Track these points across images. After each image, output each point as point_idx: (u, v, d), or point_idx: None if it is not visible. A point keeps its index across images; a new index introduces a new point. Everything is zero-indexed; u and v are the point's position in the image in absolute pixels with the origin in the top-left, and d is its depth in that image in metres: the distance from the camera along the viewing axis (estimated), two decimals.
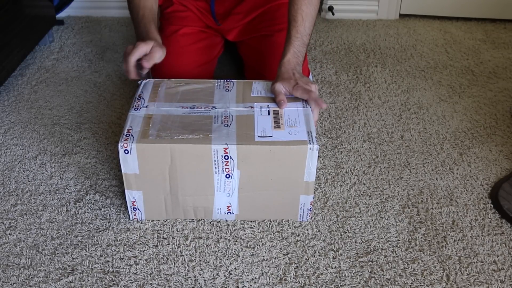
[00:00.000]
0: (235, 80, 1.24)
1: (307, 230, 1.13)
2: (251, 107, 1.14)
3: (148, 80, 1.23)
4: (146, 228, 1.14)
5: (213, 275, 1.03)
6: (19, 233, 1.13)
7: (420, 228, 1.14)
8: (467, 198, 1.22)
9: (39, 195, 1.23)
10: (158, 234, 1.12)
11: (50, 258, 1.07)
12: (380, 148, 1.39)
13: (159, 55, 1.14)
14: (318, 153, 1.32)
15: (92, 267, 1.05)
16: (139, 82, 1.21)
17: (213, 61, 1.54)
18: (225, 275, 1.03)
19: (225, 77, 1.31)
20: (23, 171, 1.30)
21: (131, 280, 1.02)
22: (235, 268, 1.05)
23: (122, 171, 1.07)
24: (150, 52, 1.13)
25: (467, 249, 1.09)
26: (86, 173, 1.30)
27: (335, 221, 1.16)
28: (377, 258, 1.07)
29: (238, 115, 1.12)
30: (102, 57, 1.84)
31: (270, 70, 1.44)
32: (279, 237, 1.12)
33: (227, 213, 1.14)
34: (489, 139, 1.42)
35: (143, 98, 1.16)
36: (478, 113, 1.53)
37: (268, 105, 1.15)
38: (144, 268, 1.05)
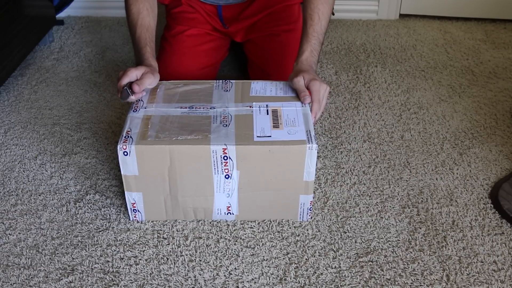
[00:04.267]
0: (234, 81, 1.24)
1: (307, 230, 1.13)
2: (250, 107, 1.14)
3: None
4: (146, 228, 1.14)
5: (213, 275, 1.03)
6: (19, 233, 1.13)
7: (420, 228, 1.14)
8: (467, 198, 1.22)
9: (39, 195, 1.23)
10: (158, 234, 1.12)
11: (50, 258, 1.07)
12: (380, 148, 1.39)
13: (149, 81, 1.14)
14: (318, 153, 1.32)
15: (92, 267, 1.05)
16: (133, 104, 1.17)
17: (216, 64, 1.54)
18: (225, 275, 1.03)
19: (226, 78, 1.31)
20: (23, 171, 1.31)
21: (131, 280, 1.02)
22: (235, 268, 1.05)
23: (122, 173, 1.07)
24: (141, 77, 1.14)
25: (467, 249, 1.09)
26: (86, 173, 1.30)
27: (335, 221, 1.16)
28: (377, 258, 1.07)
29: (237, 114, 1.12)
30: (102, 57, 1.84)
31: (276, 69, 1.44)
32: (279, 237, 1.12)
33: (227, 214, 1.14)
34: (489, 139, 1.42)
35: (142, 100, 1.16)
36: (478, 113, 1.53)
37: (267, 105, 1.15)
38: (144, 268, 1.05)
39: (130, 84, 1.12)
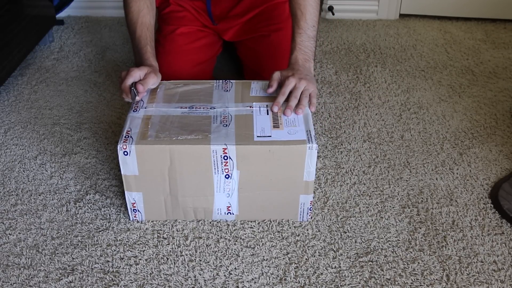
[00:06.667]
0: (234, 81, 1.24)
1: (307, 230, 1.13)
2: (250, 107, 1.14)
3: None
4: (146, 228, 1.14)
5: (213, 275, 1.03)
6: (19, 233, 1.13)
7: (420, 228, 1.14)
8: (467, 198, 1.22)
9: (39, 195, 1.23)
10: (158, 234, 1.12)
11: (50, 258, 1.07)
12: (380, 148, 1.39)
13: (153, 81, 1.15)
14: (318, 153, 1.32)
15: (92, 267, 1.05)
16: (133, 104, 1.16)
17: (211, 60, 1.54)
18: (225, 275, 1.03)
19: (225, 78, 1.31)
20: (23, 171, 1.31)
21: (131, 280, 1.02)
22: (235, 268, 1.05)
23: (122, 172, 1.07)
24: (144, 77, 1.14)
25: (467, 249, 1.09)
26: (86, 173, 1.30)
27: (335, 221, 1.16)
28: (377, 258, 1.07)
29: (237, 114, 1.12)
30: (102, 57, 1.84)
31: (268, 70, 1.43)
32: (279, 237, 1.12)
33: (227, 214, 1.14)
34: (489, 139, 1.42)
35: (142, 100, 1.16)
36: (478, 113, 1.53)
37: (267, 105, 1.14)
38: (144, 268, 1.05)
39: (134, 84, 1.12)
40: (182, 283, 1.02)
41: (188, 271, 1.04)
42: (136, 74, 1.13)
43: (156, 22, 1.55)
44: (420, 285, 1.02)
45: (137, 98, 1.14)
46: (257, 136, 1.05)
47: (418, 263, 1.06)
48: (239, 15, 1.48)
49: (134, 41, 1.24)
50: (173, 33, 1.46)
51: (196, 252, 1.08)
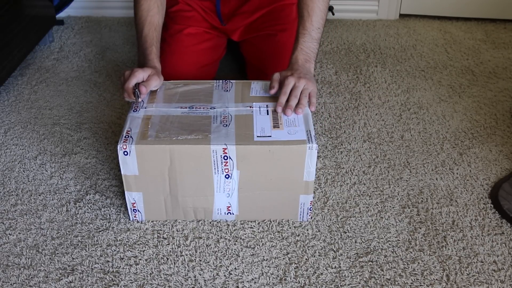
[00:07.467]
0: (234, 81, 1.24)
1: (307, 230, 1.13)
2: (250, 107, 1.14)
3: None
4: (146, 228, 1.14)
5: (213, 275, 1.03)
6: (19, 233, 1.13)
7: (420, 228, 1.14)
8: (467, 198, 1.22)
9: (39, 195, 1.23)
10: (158, 234, 1.12)
11: (50, 258, 1.07)
12: (380, 148, 1.39)
13: (155, 84, 1.15)
14: (318, 153, 1.32)
15: (92, 267, 1.05)
16: (133, 104, 1.16)
17: (215, 63, 1.54)
18: (225, 275, 1.03)
19: (226, 78, 1.31)
20: (23, 171, 1.31)
21: (131, 280, 1.02)
22: (235, 268, 1.05)
23: (122, 172, 1.07)
24: (148, 79, 1.14)
25: (467, 249, 1.09)
26: (86, 173, 1.30)
27: (335, 221, 1.16)
28: (377, 258, 1.07)
29: (237, 115, 1.12)
30: (102, 57, 1.84)
31: (273, 69, 1.43)
32: (279, 237, 1.12)
33: (227, 214, 1.14)
34: (489, 139, 1.42)
35: (142, 100, 1.16)
36: (478, 113, 1.53)
37: (267, 105, 1.15)
38: (144, 268, 1.05)
39: (137, 85, 1.12)
40: (182, 283, 1.02)
41: (188, 271, 1.04)
42: (140, 76, 1.13)
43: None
44: (420, 285, 1.02)
45: (139, 99, 1.14)
46: (257, 136, 1.05)
47: (418, 263, 1.06)
48: (247, 13, 1.48)
49: (140, 39, 1.24)
50: (181, 33, 1.46)
51: (196, 252, 1.08)
